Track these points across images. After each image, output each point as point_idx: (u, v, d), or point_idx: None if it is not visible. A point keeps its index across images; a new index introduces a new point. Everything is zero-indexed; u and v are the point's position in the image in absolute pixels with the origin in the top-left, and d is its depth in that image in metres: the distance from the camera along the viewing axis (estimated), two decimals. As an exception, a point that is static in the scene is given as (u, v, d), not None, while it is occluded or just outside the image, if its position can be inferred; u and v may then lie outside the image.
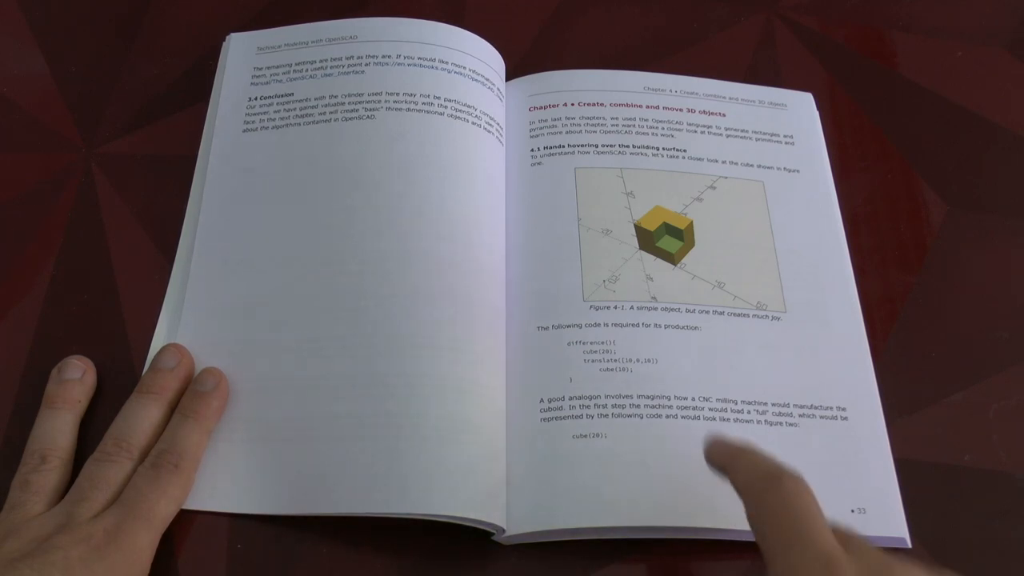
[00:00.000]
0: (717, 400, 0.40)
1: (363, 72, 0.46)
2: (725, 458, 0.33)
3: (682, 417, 0.39)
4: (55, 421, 0.37)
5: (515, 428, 0.39)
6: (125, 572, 0.33)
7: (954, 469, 0.40)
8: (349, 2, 0.53)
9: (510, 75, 0.50)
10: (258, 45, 0.49)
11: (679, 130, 0.48)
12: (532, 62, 0.51)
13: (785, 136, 0.49)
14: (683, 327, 0.42)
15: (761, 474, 0.31)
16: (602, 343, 0.41)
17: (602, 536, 0.37)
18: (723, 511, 0.37)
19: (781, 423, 0.40)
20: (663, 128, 0.48)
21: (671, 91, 0.49)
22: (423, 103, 0.45)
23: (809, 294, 0.43)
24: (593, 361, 0.40)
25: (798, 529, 0.29)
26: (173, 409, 0.38)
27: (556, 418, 0.39)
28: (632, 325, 0.41)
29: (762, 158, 0.48)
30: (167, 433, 0.37)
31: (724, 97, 0.50)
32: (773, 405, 0.40)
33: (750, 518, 0.31)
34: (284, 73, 0.48)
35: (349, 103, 0.45)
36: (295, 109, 0.46)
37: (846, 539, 0.29)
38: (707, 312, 0.42)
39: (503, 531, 0.37)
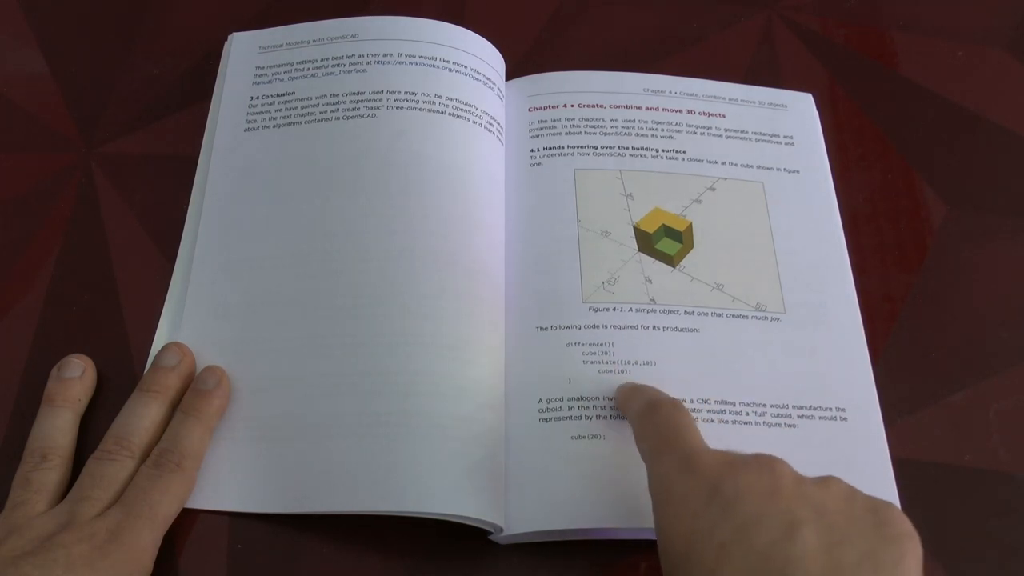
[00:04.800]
0: (716, 402, 0.40)
1: (364, 71, 0.46)
2: (622, 397, 0.38)
3: (680, 419, 0.39)
4: (55, 419, 0.38)
5: (514, 428, 0.39)
6: (127, 571, 0.33)
7: (954, 469, 0.40)
8: (350, 1, 0.54)
9: (510, 75, 0.50)
10: (260, 44, 0.49)
11: (679, 131, 0.48)
12: (532, 62, 0.51)
13: (785, 137, 0.49)
14: (682, 329, 0.42)
15: (645, 401, 0.36)
16: (601, 345, 0.41)
17: (600, 537, 0.38)
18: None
19: (780, 424, 0.40)
20: (663, 130, 0.48)
21: (671, 92, 0.49)
22: (424, 102, 0.45)
23: (808, 295, 0.43)
24: (592, 363, 0.40)
25: (668, 439, 0.33)
26: (174, 408, 0.38)
27: (555, 419, 0.39)
28: (631, 327, 0.41)
29: (762, 159, 0.48)
30: (169, 432, 0.37)
31: (724, 98, 0.50)
32: (772, 406, 0.40)
33: (636, 440, 0.35)
34: (286, 72, 0.48)
35: (350, 102, 0.45)
36: (296, 108, 0.46)
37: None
38: (706, 314, 0.42)
39: (501, 531, 0.37)
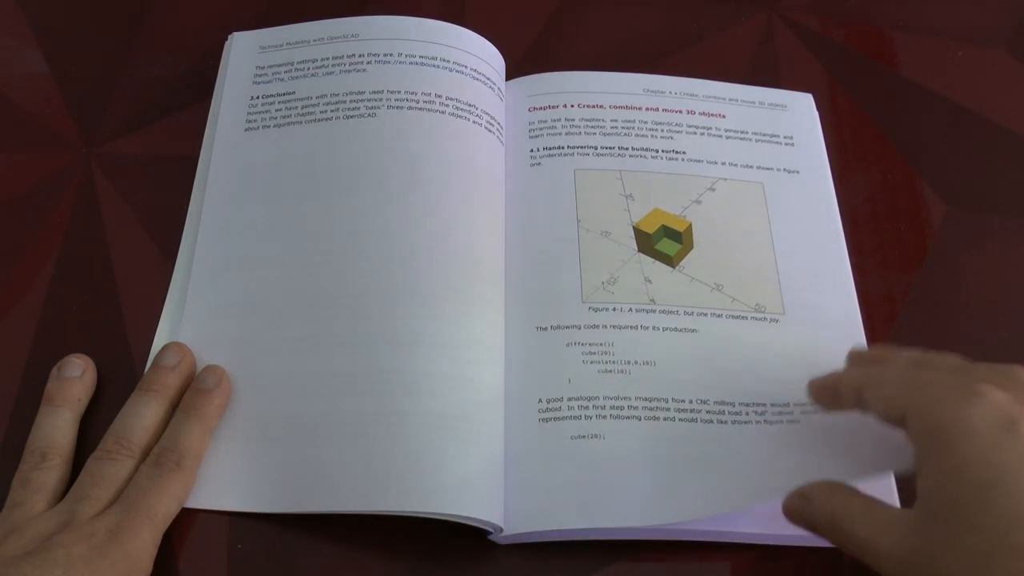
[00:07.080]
0: (715, 402, 0.40)
1: (364, 70, 0.46)
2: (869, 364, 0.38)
3: (680, 419, 0.39)
4: (55, 419, 0.38)
5: (513, 428, 0.39)
6: (127, 570, 0.33)
7: (953, 469, 0.40)
8: (350, 1, 0.54)
9: (510, 75, 0.50)
10: (260, 44, 0.49)
11: (679, 132, 0.48)
12: (532, 62, 0.51)
13: (785, 137, 0.49)
14: (681, 329, 0.42)
15: (911, 360, 0.36)
16: (600, 344, 0.41)
17: (600, 537, 0.38)
18: (721, 512, 0.37)
19: (781, 421, 0.39)
20: (662, 130, 0.48)
21: (671, 93, 0.50)
22: (424, 101, 0.45)
23: (808, 296, 0.43)
24: (592, 362, 0.40)
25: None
26: (174, 407, 0.38)
27: (555, 419, 0.39)
28: (631, 327, 0.41)
29: (762, 159, 0.48)
30: (169, 431, 0.37)
31: (724, 98, 0.50)
32: (772, 406, 0.40)
33: (891, 397, 0.34)
34: (286, 72, 0.48)
35: (350, 101, 0.46)
36: (297, 107, 0.46)
37: None
38: (705, 314, 0.42)
39: (500, 530, 0.37)
